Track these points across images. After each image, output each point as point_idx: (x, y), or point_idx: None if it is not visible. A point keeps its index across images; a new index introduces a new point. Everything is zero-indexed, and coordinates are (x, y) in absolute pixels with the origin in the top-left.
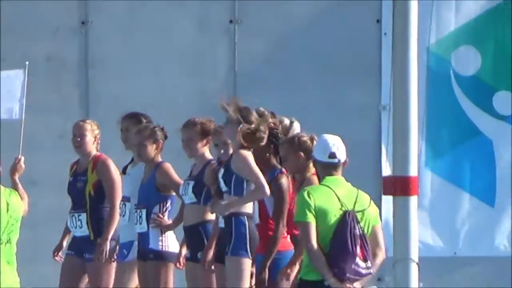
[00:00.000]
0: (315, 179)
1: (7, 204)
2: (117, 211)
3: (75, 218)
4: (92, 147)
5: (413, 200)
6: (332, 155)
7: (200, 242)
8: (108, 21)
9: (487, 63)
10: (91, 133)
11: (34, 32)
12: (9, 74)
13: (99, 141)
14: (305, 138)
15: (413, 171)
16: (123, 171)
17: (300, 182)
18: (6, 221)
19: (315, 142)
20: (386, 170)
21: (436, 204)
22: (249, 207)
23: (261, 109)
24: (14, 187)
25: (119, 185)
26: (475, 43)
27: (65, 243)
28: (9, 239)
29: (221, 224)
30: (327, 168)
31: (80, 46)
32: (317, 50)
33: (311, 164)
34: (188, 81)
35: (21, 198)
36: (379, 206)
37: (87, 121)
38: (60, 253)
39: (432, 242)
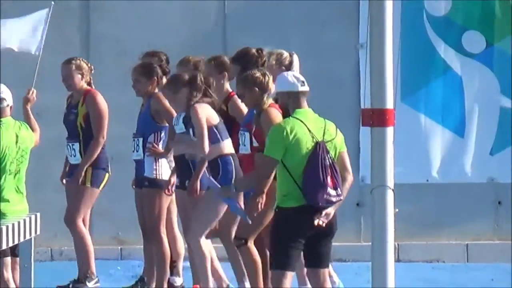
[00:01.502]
0: (272, 110)
1: (16, 136)
2: (100, 142)
3: (70, 147)
4: (82, 83)
5: (390, 131)
6: (303, 83)
7: (188, 171)
8: None
9: (457, 4)
10: (77, 71)
11: None
12: (31, 15)
13: (90, 74)
14: (258, 74)
15: (389, 104)
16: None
17: (258, 115)
18: (15, 152)
19: (267, 78)
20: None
21: (411, 135)
22: (231, 148)
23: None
24: (26, 117)
25: (104, 118)
26: None
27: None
28: (19, 170)
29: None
30: (300, 97)
31: None
32: None
33: (265, 97)
34: (181, 23)
35: (33, 129)
36: (357, 136)
37: (72, 60)
38: (65, 180)
39: (406, 170)
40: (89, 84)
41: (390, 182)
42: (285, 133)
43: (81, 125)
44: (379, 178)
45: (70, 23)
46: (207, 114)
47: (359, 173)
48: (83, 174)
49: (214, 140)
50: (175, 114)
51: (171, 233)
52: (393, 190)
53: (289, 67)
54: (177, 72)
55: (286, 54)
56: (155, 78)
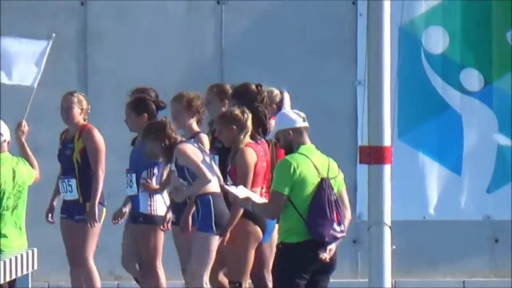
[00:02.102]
0: (248, 150)
1: (14, 172)
2: (100, 177)
3: (65, 183)
4: (79, 118)
5: (387, 168)
6: (305, 119)
7: (183, 208)
8: (104, 1)
9: (454, 42)
10: (78, 105)
11: (36, 11)
12: (32, 42)
13: (87, 112)
14: (237, 111)
15: (387, 142)
16: (132, 143)
17: (234, 153)
18: (12, 187)
19: (246, 115)
20: (362, 140)
21: (408, 173)
22: (214, 187)
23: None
24: (23, 152)
25: (102, 152)
26: (444, 24)
27: (55, 205)
28: (16, 205)
29: None
30: (304, 133)
31: (79, 24)
32: (298, 29)
33: (242, 136)
34: (178, 57)
35: (32, 165)
36: (355, 173)
37: (75, 93)
38: (52, 215)
39: (403, 207)
40: (84, 121)
41: (387, 219)
42: (292, 169)
43: (77, 160)
44: (376, 215)
45: (67, 56)
46: (192, 151)
47: (356, 209)
48: (97, 212)
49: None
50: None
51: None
52: (390, 227)
53: (279, 105)
54: (172, 108)
55: (276, 91)
56: (145, 114)
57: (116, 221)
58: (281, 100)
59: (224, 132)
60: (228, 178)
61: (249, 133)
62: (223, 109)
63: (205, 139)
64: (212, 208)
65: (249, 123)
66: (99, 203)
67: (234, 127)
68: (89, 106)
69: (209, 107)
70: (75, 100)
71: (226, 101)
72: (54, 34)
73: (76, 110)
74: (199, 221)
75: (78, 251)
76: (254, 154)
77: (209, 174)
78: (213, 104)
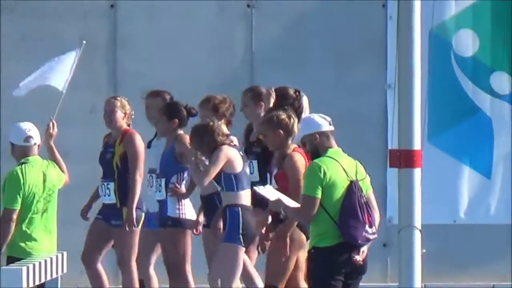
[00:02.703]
0: (297, 155)
1: (44, 175)
2: (138, 181)
3: (105, 186)
4: (122, 122)
5: (417, 172)
6: (330, 123)
7: (214, 211)
8: (134, 4)
9: (484, 45)
10: (121, 109)
11: (68, 14)
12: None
13: (131, 116)
14: (283, 116)
15: (417, 145)
16: (148, 146)
17: (281, 159)
18: (42, 191)
19: (292, 120)
20: (392, 144)
21: (438, 176)
22: (245, 199)
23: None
24: (52, 155)
25: (141, 158)
26: (474, 27)
27: (93, 205)
28: (46, 208)
29: None
30: (330, 136)
31: (109, 27)
32: (328, 33)
33: (289, 141)
34: (208, 60)
35: (62, 169)
36: (385, 177)
37: (118, 97)
38: (87, 214)
39: (434, 210)
40: (128, 126)
41: (418, 222)
42: (322, 172)
43: (117, 164)
44: (407, 218)
45: (97, 59)
46: (227, 156)
47: (386, 213)
48: (134, 216)
49: (228, 187)
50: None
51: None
52: (420, 230)
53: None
54: (199, 112)
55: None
56: (177, 120)
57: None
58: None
59: (270, 136)
60: (274, 182)
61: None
62: (259, 112)
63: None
64: (240, 220)
65: (296, 127)
66: (137, 207)
67: (281, 131)
68: (132, 112)
69: (245, 111)
70: (118, 104)
71: (262, 103)
72: (84, 41)
73: (119, 114)
74: (227, 232)
75: (124, 257)
76: (303, 158)
77: (205, 182)
78: (249, 107)
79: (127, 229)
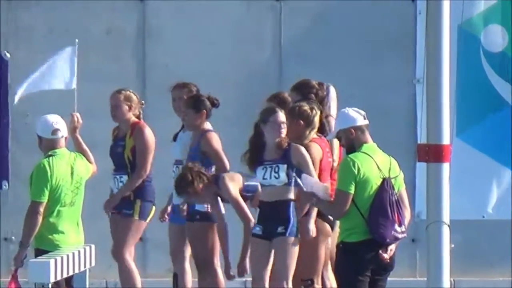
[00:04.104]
0: (312, 145)
1: (71, 168)
2: (141, 174)
3: (117, 179)
4: (129, 115)
5: (446, 166)
6: (365, 117)
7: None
8: None
9: None
10: (125, 102)
11: (96, 7)
12: (61, 53)
13: (140, 107)
14: (306, 107)
15: (445, 140)
16: (174, 139)
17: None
18: (70, 183)
19: (314, 112)
20: (421, 139)
21: (466, 171)
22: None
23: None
24: (78, 147)
25: (149, 152)
26: (503, 22)
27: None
28: (73, 201)
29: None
30: (365, 131)
31: (138, 20)
32: (357, 27)
33: (308, 132)
34: (235, 53)
35: (89, 160)
36: (413, 172)
37: (122, 91)
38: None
39: (462, 206)
40: (138, 117)
41: (446, 217)
42: (356, 168)
43: (128, 157)
44: (435, 213)
45: (125, 52)
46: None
47: (415, 208)
48: (116, 202)
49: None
50: (224, 156)
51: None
52: (448, 225)
53: (323, 99)
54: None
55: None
56: (204, 111)
57: (163, 219)
58: (327, 94)
59: (291, 125)
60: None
61: (315, 130)
62: None
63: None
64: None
65: (317, 119)
66: (148, 201)
67: (302, 122)
68: (143, 102)
69: None
70: (122, 97)
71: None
72: (77, 40)
73: (124, 107)
74: (291, 227)
75: (119, 245)
76: (319, 149)
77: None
78: None
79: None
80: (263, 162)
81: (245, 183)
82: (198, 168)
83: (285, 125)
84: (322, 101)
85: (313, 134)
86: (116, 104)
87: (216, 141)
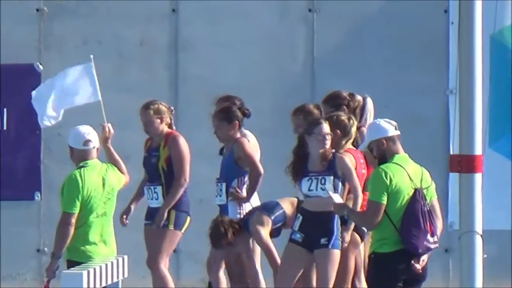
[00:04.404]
0: (348, 156)
1: (103, 179)
2: (182, 185)
3: (151, 190)
4: (162, 127)
5: (478, 177)
6: (396, 127)
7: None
8: (195, 8)
9: None
10: (156, 116)
11: (129, 18)
12: (78, 68)
13: (170, 116)
14: (343, 117)
15: (478, 150)
16: (220, 153)
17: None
18: (101, 194)
19: (351, 122)
20: (453, 149)
21: (499, 181)
22: None
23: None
24: (110, 157)
25: (186, 161)
26: None
27: (132, 207)
28: (105, 212)
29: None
30: (397, 141)
31: (170, 31)
32: (389, 38)
33: (344, 142)
34: (268, 64)
35: (121, 170)
36: (446, 182)
37: (150, 106)
38: (126, 217)
39: (495, 216)
40: (170, 125)
41: (479, 227)
42: (388, 178)
43: (163, 168)
44: (467, 223)
45: (158, 62)
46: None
47: (448, 219)
48: (165, 216)
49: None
50: (256, 159)
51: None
52: (481, 235)
53: (362, 112)
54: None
55: (359, 97)
56: (237, 121)
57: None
58: (364, 106)
59: None
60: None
61: (351, 141)
62: None
63: None
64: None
65: (354, 130)
66: (183, 211)
67: (339, 131)
68: (172, 108)
69: (299, 131)
70: (151, 113)
71: None
72: (92, 56)
73: (156, 122)
74: (335, 239)
75: (154, 255)
76: (353, 159)
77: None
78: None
79: (154, 225)
80: (308, 173)
81: (272, 218)
82: (228, 219)
83: (329, 137)
84: (353, 112)
85: (349, 144)
86: (147, 120)
87: (248, 146)
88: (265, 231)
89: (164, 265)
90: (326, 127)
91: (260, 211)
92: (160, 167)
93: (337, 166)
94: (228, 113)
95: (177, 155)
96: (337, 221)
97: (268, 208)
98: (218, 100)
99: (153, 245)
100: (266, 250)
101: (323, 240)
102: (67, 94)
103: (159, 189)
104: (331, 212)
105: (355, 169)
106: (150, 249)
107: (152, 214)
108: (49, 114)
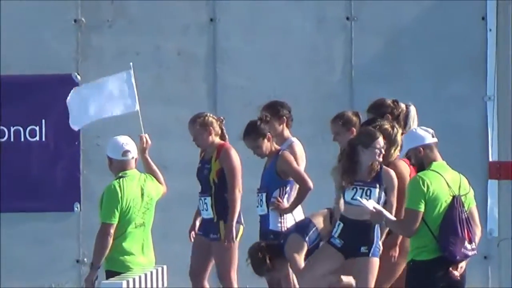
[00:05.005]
0: (401, 163)
1: (142, 189)
2: (238, 197)
3: (202, 201)
4: (211, 139)
5: None
6: (433, 135)
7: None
8: (233, 19)
9: None
10: (203, 128)
11: (167, 29)
12: (118, 76)
13: (222, 126)
14: (387, 125)
15: None
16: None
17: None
18: (140, 205)
19: (396, 130)
20: (492, 156)
21: None
22: None
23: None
24: (148, 168)
25: (239, 173)
26: None
27: (197, 223)
28: (143, 222)
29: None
30: (434, 149)
31: (209, 42)
32: (426, 45)
33: (392, 151)
34: (306, 74)
35: (159, 181)
36: (485, 188)
37: (197, 119)
38: (193, 233)
39: None
40: (222, 135)
41: None
42: (426, 186)
43: (213, 180)
44: (506, 230)
45: (196, 73)
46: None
47: (487, 226)
48: (234, 231)
49: None
50: (303, 174)
51: None
52: None
53: (405, 120)
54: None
55: (402, 105)
56: (265, 133)
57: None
58: (407, 114)
59: None
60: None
61: (398, 148)
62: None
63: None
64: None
65: (399, 137)
66: (237, 222)
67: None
68: (222, 118)
69: (338, 139)
70: (198, 126)
71: (353, 128)
72: (131, 63)
73: (204, 134)
74: (374, 248)
75: (223, 271)
76: (407, 166)
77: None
78: (342, 135)
79: (225, 244)
80: (354, 182)
81: (306, 239)
82: (265, 244)
83: (383, 150)
84: (397, 119)
85: (398, 152)
86: (195, 133)
87: (293, 160)
88: (300, 257)
89: (234, 279)
90: (382, 141)
91: (294, 234)
92: (211, 179)
93: (383, 179)
94: (259, 129)
95: (230, 168)
96: (377, 230)
97: (301, 229)
98: (263, 108)
99: (218, 263)
100: (298, 276)
101: (363, 249)
102: (105, 102)
103: (208, 200)
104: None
105: (410, 175)
106: (195, 262)
107: (204, 225)
108: (82, 118)
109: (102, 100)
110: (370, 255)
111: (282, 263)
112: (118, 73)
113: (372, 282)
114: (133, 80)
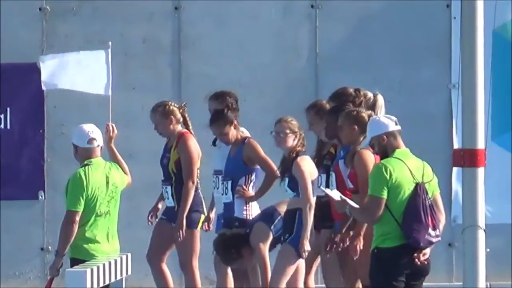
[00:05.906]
0: (366, 152)
1: (107, 178)
2: (190, 189)
3: (164, 189)
4: (173, 127)
5: (480, 171)
6: (396, 122)
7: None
8: (199, 6)
9: None
10: (164, 117)
11: (132, 16)
12: (92, 53)
13: (183, 115)
14: (363, 113)
15: (480, 144)
16: (213, 143)
17: (351, 156)
18: (105, 193)
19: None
20: (456, 143)
21: (501, 175)
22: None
23: None
24: (113, 157)
25: (194, 164)
26: None
27: (159, 207)
28: (108, 210)
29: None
30: (398, 136)
31: (174, 29)
32: (392, 33)
33: (362, 138)
34: (272, 61)
35: (124, 171)
36: (449, 176)
37: (158, 108)
38: (152, 216)
39: (497, 210)
40: (185, 122)
41: (481, 222)
42: (388, 173)
43: (172, 170)
44: (470, 218)
45: (161, 61)
46: (309, 168)
47: (451, 213)
48: (184, 223)
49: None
50: (270, 161)
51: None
52: (484, 230)
53: (372, 108)
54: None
55: (370, 94)
56: (232, 120)
57: (206, 228)
58: (374, 103)
59: (345, 130)
60: (348, 182)
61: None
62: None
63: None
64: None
65: None
66: (196, 210)
67: (356, 127)
68: (183, 105)
69: (313, 128)
70: (158, 116)
71: None
72: (110, 43)
73: (165, 123)
74: (294, 236)
75: (184, 259)
76: (372, 156)
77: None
78: (315, 125)
79: (176, 231)
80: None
81: (272, 228)
82: (231, 234)
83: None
84: (359, 106)
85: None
86: (156, 122)
87: (260, 148)
88: (265, 246)
89: (195, 267)
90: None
91: (259, 223)
92: (170, 169)
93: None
94: (225, 116)
95: (185, 159)
96: (299, 221)
97: (266, 217)
98: (209, 99)
99: (180, 251)
100: (263, 267)
101: (287, 236)
102: (80, 75)
103: (169, 189)
104: (298, 209)
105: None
106: (155, 244)
107: (167, 212)
108: (53, 81)
109: (77, 72)
110: (288, 242)
111: (249, 251)
112: (97, 50)
113: (283, 268)
114: (109, 60)
